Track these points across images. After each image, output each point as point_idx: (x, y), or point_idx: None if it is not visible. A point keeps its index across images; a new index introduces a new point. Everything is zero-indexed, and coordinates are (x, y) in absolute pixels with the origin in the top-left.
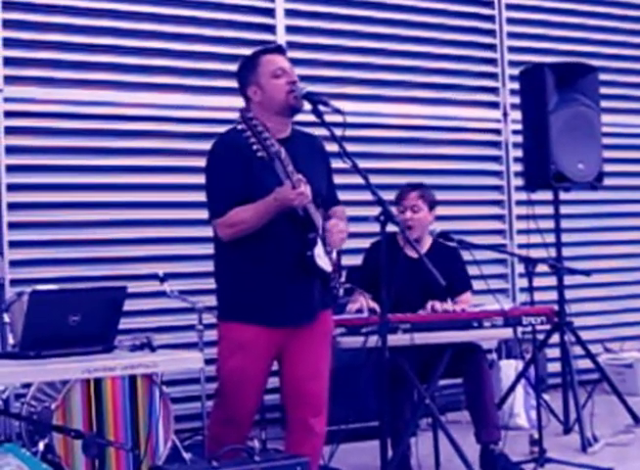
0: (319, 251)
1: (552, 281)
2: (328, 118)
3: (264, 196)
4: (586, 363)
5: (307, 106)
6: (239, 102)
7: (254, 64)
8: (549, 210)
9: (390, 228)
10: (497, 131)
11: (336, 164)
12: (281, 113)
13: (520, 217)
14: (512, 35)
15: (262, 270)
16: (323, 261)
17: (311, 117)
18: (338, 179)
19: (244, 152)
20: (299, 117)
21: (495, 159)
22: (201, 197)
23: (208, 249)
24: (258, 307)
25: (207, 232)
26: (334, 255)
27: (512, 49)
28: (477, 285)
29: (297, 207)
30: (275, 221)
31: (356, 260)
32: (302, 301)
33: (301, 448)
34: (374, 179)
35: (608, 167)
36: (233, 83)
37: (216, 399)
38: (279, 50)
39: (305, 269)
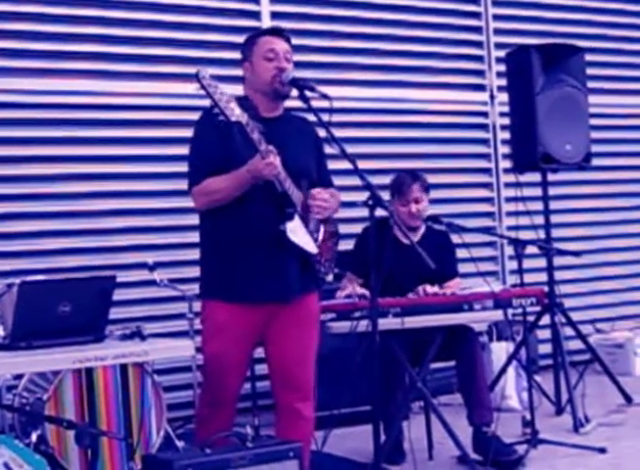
0: (294, 226)
1: (542, 263)
2: (315, 104)
3: (241, 167)
4: (577, 344)
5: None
6: (227, 89)
7: (253, 41)
8: (537, 191)
9: (380, 212)
10: (484, 114)
11: (324, 149)
12: (266, 95)
13: (508, 199)
14: (497, 17)
15: (237, 245)
16: (299, 238)
17: (300, 103)
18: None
19: (223, 122)
20: (288, 103)
21: (483, 141)
22: None
23: (197, 237)
24: (233, 283)
25: (196, 220)
26: (320, 236)
27: (498, 31)
28: (466, 268)
29: (266, 177)
30: (252, 196)
31: (346, 245)
32: (276, 277)
33: (290, 434)
34: (361, 164)
35: (595, 148)
36: (219, 71)
37: (203, 382)
38: (280, 34)
39: (278, 244)
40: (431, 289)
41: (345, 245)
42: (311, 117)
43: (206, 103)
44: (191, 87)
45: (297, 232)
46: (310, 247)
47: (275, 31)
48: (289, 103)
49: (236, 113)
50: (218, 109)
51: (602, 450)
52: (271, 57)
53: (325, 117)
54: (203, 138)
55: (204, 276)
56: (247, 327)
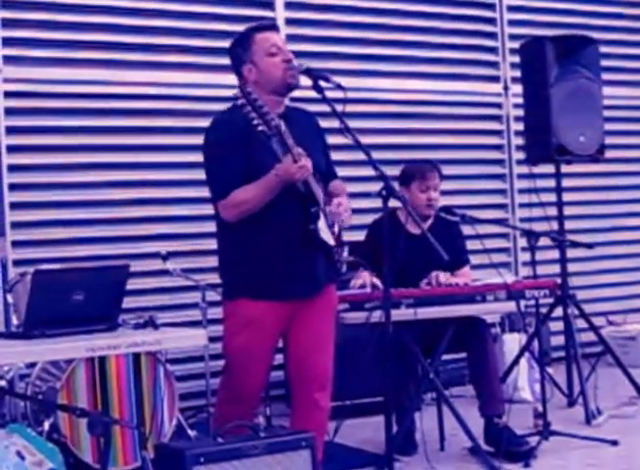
0: (322, 224)
1: (555, 254)
2: (328, 94)
3: (264, 174)
4: (589, 336)
5: (307, 82)
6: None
7: (248, 41)
8: (551, 183)
9: (392, 203)
10: (498, 105)
11: (337, 139)
12: (277, 90)
13: (521, 191)
14: (512, 8)
15: (267, 246)
16: (326, 235)
17: (310, 93)
18: (339, 155)
19: (242, 129)
20: (299, 94)
21: (496, 132)
22: (202, 175)
23: (210, 227)
24: (265, 283)
25: (209, 210)
26: (335, 228)
27: (512, 22)
28: (479, 259)
29: (298, 180)
30: (277, 197)
31: (358, 236)
32: (308, 273)
33: (307, 424)
34: (375, 155)
35: (609, 140)
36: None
37: (223, 379)
38: (272, 27)
39: (309, 243)
40: (443, 277)
41: (358, 236)
42: (323, 108)
43: (215, 93)
44: (212, 77)
45: (323, 229)
46: (331, 240)
47: (268, 27)
48: (299, 93)
49: (275, 122)
50: (262, 120)
51: (614, 443)
52: (275, 51)
53: (339, 108)
54: (223, 148)
55: (230, 277)
56: (276, 321)
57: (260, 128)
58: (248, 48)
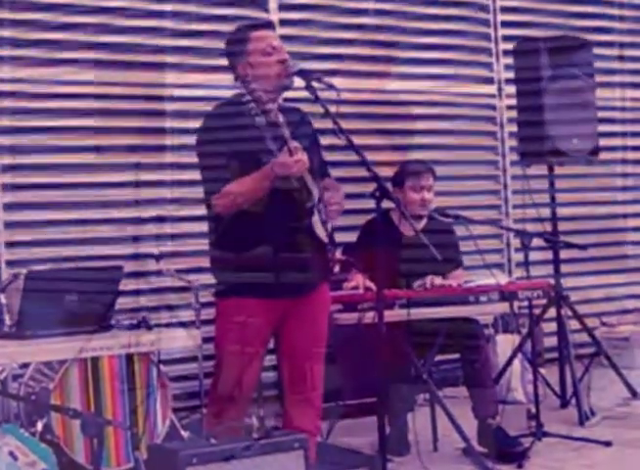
0: (316, 220)
1: (548, 255)
2: (321, 95)
3: (258, 168)
4: (583, 337)
5: (300, 82)
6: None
7: (244, 40)
8: (544, 184)
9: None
10: (492, 106)
11: (330, 140)
12: (271, 90)
13: (515, 192)
14: (505, 10)
15: (260, 242)
16: (320, 231)
17: (303, 94)
18: (332, 156)
19: (235, 124)
20: (292, 94)
21: (490, 134)
22: (195, 175)
23: (204, 227)
24: (257, 281)
25: (202, 210)
26: (328, 226)
27: (505, 24)
28: (473, 260)
29: (295, 174)
30: (270, 193)
31: (351, 237)
32: (301, 271)
33: (301, 424)
34: (368, 156)
35: (603, 141)
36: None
37: (214, 378)
38: (268, 26)
39: (304, 239)
40: (437, 281)
41: (351, 237)
42: (308, 108)
43: (210, 93)
44: (205, 78)
45: (317, 225)
46: (325, 237)
47: (264, 25)
48: (293, 94)
49: (275, 116)
50: (261, 112)
51: (607, 444)
52: (270, 51)
53: (332, 109)
54: (215, 144)
55: (221, 276)
56: (268, 319)
57: (258, 120)
58: (243, 46)
